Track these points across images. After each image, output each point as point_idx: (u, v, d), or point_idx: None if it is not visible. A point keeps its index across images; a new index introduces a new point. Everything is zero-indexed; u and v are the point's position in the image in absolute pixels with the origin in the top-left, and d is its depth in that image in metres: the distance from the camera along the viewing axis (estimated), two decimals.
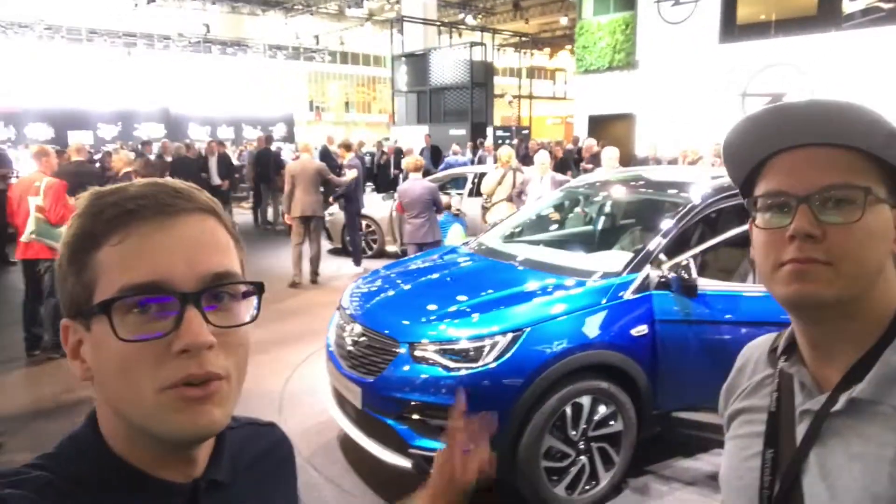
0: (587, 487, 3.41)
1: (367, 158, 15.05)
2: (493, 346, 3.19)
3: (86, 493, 0.64)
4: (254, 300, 0.70)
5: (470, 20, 27.58)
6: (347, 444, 3.94)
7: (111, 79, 27.86)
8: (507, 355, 3.17)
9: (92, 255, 0.63)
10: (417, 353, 3.29)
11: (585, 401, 3.35)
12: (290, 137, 26.63)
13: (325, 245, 10.94)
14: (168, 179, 0.70)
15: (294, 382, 5.15)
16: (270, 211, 13.57)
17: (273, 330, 6.48)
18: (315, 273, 8.51)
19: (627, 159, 12.55)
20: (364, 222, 9.86)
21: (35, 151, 5.69)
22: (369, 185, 13.12)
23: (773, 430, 0.86)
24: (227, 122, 29.31)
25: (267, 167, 13.05)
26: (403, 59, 19.25)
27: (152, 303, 0.62)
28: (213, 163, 12.82)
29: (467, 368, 3.18)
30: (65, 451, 0.67)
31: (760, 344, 0.98)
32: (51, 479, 0.63)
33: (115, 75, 28.15)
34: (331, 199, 9.66)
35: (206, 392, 0.63)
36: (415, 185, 7.06)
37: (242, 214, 14.85)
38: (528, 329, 3.25)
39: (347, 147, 10.29)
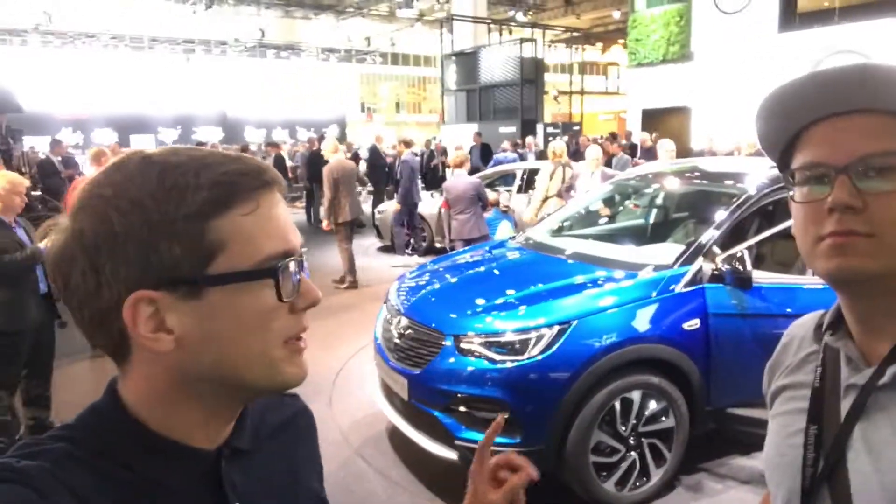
0: (637, 484, 3.34)
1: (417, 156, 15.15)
2: (538, 339, 3.16)
3: (106, 462, 0.64)
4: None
5: (520, 17, 27.40)
6: (396, 436, 3.97)
7: (171, 84, 28.84)
8: (554, 348, 3.13)
9: (213, 221, 0.63)
10: (463, 345, 3.29)
11: (635, 396, 3.29)
12: (342, 138, 27.02)
13: (375, 242, 11.09)
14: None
15: (344, 375, 5.22)
16: (322, 210, 13.80)
17: (324, 324, 6.59)
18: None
19: (683, 153, 12.26)
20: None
21: (93, 154, 5.92)
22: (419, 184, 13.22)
23: (816, 405, 0.83)
24: (281, 125, 30.00)
25: (319, 167, 13.27)
26: (453, 57, 19.27)
27: (294, 267, 0.68)
28: (269, 164, 13.17)
29: (513, 361, 3.16)
30: (86, 422, 0.67)
31: (806, 321, 0.95)
32: (70, 451, 0.63)
33: (175, 81, 29.14)
34: (396, 204, 9.81)
35: (304, 344, 0.71)
36: (459, 180, 7.07)
37: (296, 213, 15.13)
38: (576, 322, 3.20)
39: (406, 144, 10.49)
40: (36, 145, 16.93)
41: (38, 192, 8.93)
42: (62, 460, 0.62)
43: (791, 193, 0.81)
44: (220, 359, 0.66)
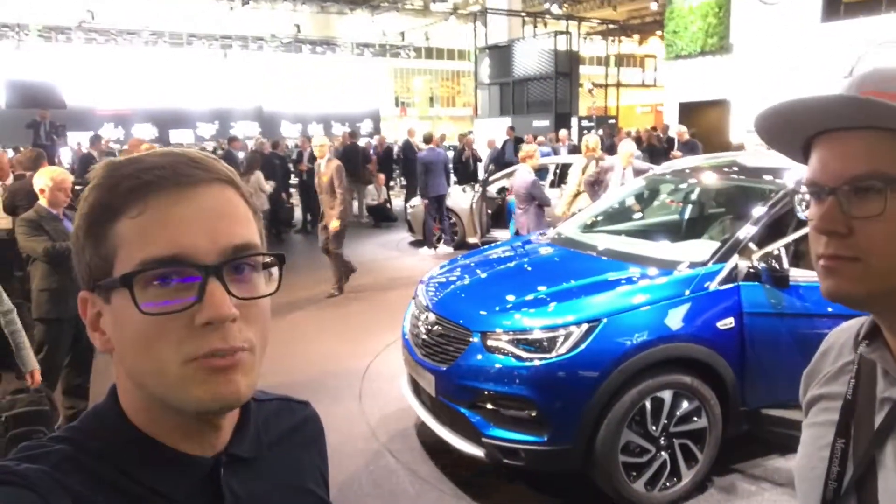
0: (668, 484, 3.29)
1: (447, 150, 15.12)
2: (567, 337, 3.12)
3: (105, 467, 0.63)
4: (274, 271, 0.69)
5: (555, 9, 27.09)
6: (425, 432, 3.97)
7: (209, 80, 29.26)
8: (582, 346, 3.09)
9: (110, 227, 0.63)
10: (490, 342, 3.26)
11: (667, 395, 3.23)
12: (376, 133, 27.13)
13: (407, 237, 11.11)
14: (185, 149, 0.69)
15: (375, 369, 5.24)
16: (356, 204, 13.90)
17: (355, 317, 6.64)
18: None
19: (721, 147, 12.00)
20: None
21: (128, 148, 6.04)
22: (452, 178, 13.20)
23: (846, 418, 0.80)
24: (316, 120, 30.24)
25: (352, 162, 13.42)
26: (487, 51, 19.16)
27: (174, 275, 0.62)
28: (305, 159, 13.24)
29: (540, 359, 3.12)
30: (87, 425, 0.67)
31: (847, 328, 0.91)
32: (71, 454, 0.63)
33: (213, 76, 29.55)
34: (424, 199, 9.94)
35: (232, 361, 0.62)
36: (519, 176, 7.20)
37: None
38: (605, 320, 3.15)
39: (426, 140, 10.55)
40: (80, 140, 17.36)
41: (80, 187, 9.17)
42: (62, 463, 0.61)
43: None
44: (130, 368, 0.65)
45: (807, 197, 0.77)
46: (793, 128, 0.77)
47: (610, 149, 11.68)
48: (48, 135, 11.77)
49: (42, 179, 4.01)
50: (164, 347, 0.61)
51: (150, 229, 0.61)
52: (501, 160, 13.18)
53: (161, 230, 0.61)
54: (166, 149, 0.69)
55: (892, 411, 0.74)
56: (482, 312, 3.47)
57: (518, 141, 14.80)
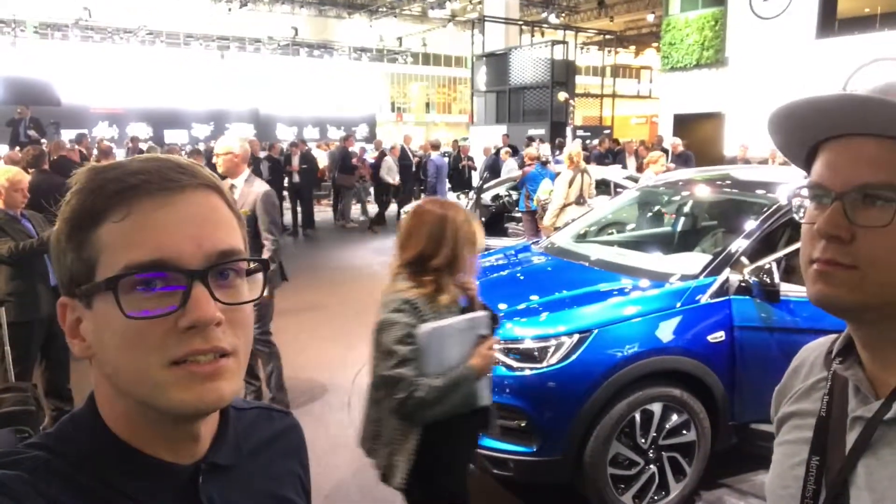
0: (656, 498, 3.28)
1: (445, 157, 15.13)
2: (558, 347, 3.11)
3: (83, 474, 0.63)
4: (258, 277, 0.69)
5: (553, 19, 27.23)
6: None
7: (205, 81, 29.19)
8: (573, 357, 3.08)
9: (93, 231, 0.62)
10: None
11: (656, 408, 3.23)
12: (371, 138, 27.14)
13: None
14: (171, 155, 0.69)
15: (364, 377, 5.19)
16: (355, 210, 13.91)
17: (344, 325, 6.62)
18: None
19: (716, 160, 12.06)
20: None
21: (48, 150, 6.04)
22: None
23: (820, 436, 0.80)
24: (312, 123, 30.17)
25: (346, 165, 13.43)
26: (484, 58, 19.22)
27: (159, 280, 0.61)
28: (295, 162, 13.24)
29: (531, 369, 3.12)
30: (64, 432, 0.67)
31: (818, 345, 0.91)
32: (47, 460, 0.62)
33: (209, 77, 29.49)
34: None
35: (214, 367, 0.62)
36: (642, 181, 7.41)
37: (323, 212, 15.23)
38: (596, 331, 3.15)
39: (434, 146, 10.64)
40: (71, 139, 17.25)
41: None
42: (39, 470, 0.61)
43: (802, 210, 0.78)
44: (112, 373, 0.64)
45: (805, 200, 0.77)
46: (804, 129, 0.76)
47: (616, 157, 11.65)
48: (26, 132, 11.62)
49: None
50: (147, 351, 0.61)
51: (135, 234, 0.61)
52: (496, 168, 13.20)
53: (146, 234, 0.61)
54: (152, 154, 0.69)
55: (864, 431, 0.74)
56: None
57: (512, 149, 14.85)
